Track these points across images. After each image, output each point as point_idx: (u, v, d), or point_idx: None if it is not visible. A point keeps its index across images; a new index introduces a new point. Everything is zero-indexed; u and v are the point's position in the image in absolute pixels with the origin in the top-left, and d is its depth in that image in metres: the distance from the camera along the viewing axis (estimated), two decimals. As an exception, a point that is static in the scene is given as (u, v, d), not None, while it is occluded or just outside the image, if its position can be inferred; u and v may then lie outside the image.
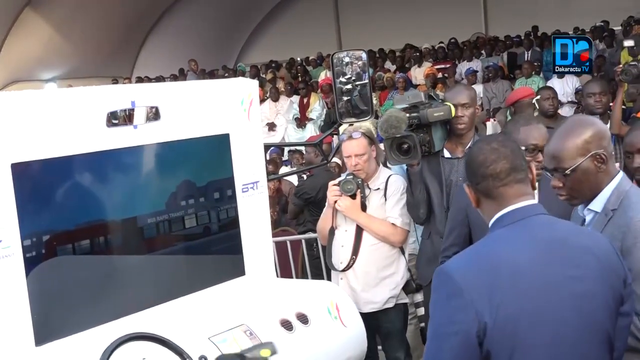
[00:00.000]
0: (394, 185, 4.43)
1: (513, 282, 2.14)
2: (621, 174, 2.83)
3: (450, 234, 3.83)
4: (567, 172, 2.77)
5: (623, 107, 6.64)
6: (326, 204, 4.70)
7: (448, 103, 3.99)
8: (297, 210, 7.16)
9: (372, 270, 4.51)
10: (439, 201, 4.14)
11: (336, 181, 4.56)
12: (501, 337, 2.11)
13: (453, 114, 4.02)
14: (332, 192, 4.56)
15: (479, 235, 3.65)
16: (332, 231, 4.64)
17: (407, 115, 3.76)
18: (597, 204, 2.81)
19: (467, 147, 4.15)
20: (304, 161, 7.80)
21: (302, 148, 8.76)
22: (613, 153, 2.90)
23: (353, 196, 4.49)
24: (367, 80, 3.92)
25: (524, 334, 2.13)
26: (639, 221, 2.67)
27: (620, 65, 5.91)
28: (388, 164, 4.46)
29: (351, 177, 4.49)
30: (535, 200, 2.33)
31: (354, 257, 4.52)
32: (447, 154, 4.22)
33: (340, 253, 4.58)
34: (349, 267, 4.53)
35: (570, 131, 2.82)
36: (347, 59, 3.93)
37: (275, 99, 14.69)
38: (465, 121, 4.16)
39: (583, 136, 2.77)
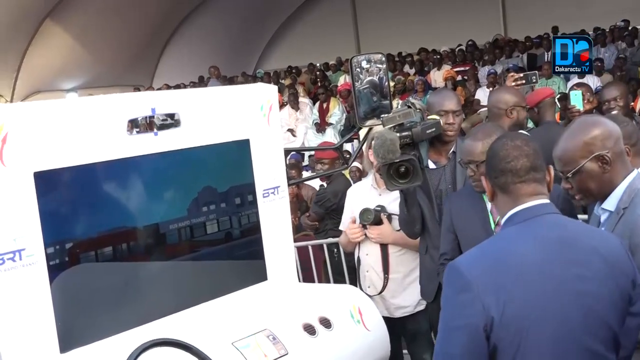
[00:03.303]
0: None
1: (519, 279, 2.19)
2: (635, 172, 2.81)
3: (444, 239, 3.85)
4: (569, 175, 2.78)
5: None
6: (348, 234, 4.70)
7: (435, 116, 3.85)
8: (319, 218, 7.15)
9: (399, 276, 4.50)
10: (430, 215, 4.02)
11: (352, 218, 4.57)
12: (507, 332, 2.16)
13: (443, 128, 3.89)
14: (353, 233, 4.57)
15: (463, 242, 3.71)
16: (359, 260, 4.66)
17: (398, 135, 3.56)
18: (611, 203, 2.82)
19: (451, 152, 4.08)
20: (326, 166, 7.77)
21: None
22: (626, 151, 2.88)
23: (379, 222, 4.49)
24: (386, 83, 3.89)
25: (529, 330, 2.17)
26: None
27: None
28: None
29: (372, 208, 4.48)
30: (547, 200, 2.36)
31: (386, 275, 4.51)
32: (431, 164, 4.08)
33: (371, 270, 4.59)
34: (384, 288, 4.52)
35: (573, 133, 2.83)
36: (365, 63, 3.90)
37: (295, 105, 14.72)
38: (455, 128, 4.05)
39: (585, 138, 2.78)
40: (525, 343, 2.16)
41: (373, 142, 3.57)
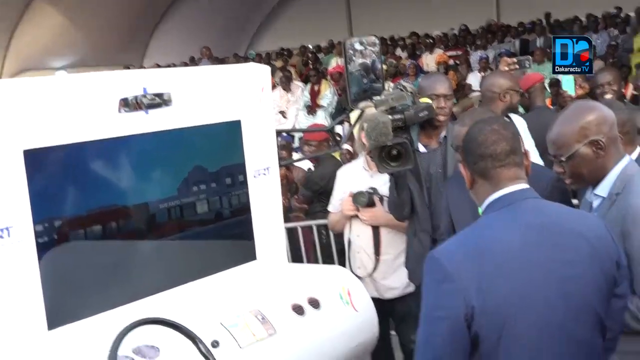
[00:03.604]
0: None
1: (501, 267, 2.17)
2: (627, 158, 2.83)
3: (442, 219, 3.87)
4: (563, 159, 2.78)
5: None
6: (340, 210, 4.71)
7: (427, 100, 3.87)
8: (308, 201, 7.16)
9: (390, 257, 4.52)
10: (420, 198, 4.03)
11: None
12: (489, 320, 2.14)
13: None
14: (347, 206, 4.57)
15: (457, 228, 3.68)
16: (349, 242, 4.67)
17: (391, 118, 3.58)
18: (603, 189, 2.83)
19: (442, 137, 4.09)
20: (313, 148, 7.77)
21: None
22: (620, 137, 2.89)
23: (372, 204, 4.50)
24: (379, 66, 3.88)
25: (512, 317, 2.15)
26: (638, 207, 2.67)
27: None
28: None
29: (365, 190, 4.49)
30: (526, 185, 2.34)
31: (378, 257, 4.53)
32: (422, 148, 4.10)
33: (362, 251, 4.60)
34: (374, 269, 4.54)
35: (569, 117, 2.83)
36: (359, 45, 3.89)
37: (286, 87, 14.68)
38: (447, 112, 4.07)
39: (581, 122, 2.78)
40: (508, 331, 2.15)
41: (365, 125, 3.56)
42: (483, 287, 2.14)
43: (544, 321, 2.19)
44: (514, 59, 5.44)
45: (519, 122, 4.73)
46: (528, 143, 4.69)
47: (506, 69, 5.30)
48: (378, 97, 3.63)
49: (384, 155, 3.56)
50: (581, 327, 2.25)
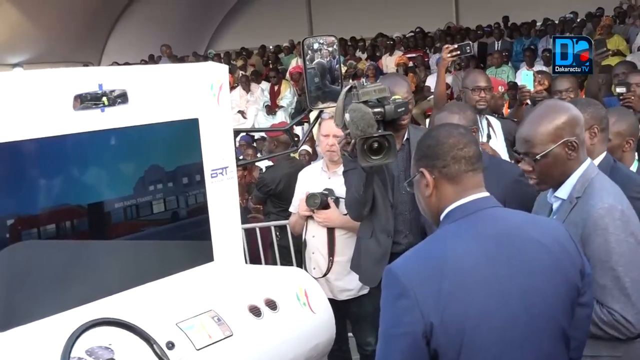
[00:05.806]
0: None
1: (459, 282, 2.11)
2: (588, 161, 2.85)
3: None
4: (538, 157, 2.78)
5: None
6: (298, 211, 4.70)
7: (398, 96, 3.75)
8: (259, 202, 7.15)
9: (345, 259, 4.51)
10: (383, 198, 4.00)
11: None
12: (448, 337, 2.09)
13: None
14: (302, 206, 4.56)
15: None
16: (305, 242, 4.66)
17: (372, 111, 3.50)
18: (564, 192, 2.83)
19: (405, 139, 4.07)
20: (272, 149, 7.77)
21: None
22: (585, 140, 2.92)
23: (327, 206, 4.49)
24: (337, 66, 3.88)
25: (471, 333, 2.10)
26: (600, 209, 2.68)
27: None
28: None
29: (318, 192, 4.49)
30: (487, 193, 2.29)
31: (332, 258, 4.53)
32: None
33: (317, 252, 4.59)
34: (328, 270, 4.54)
35: (544, 116, 2.82)
36: (317, 45, 3.89)
37: (246, 87, 14.64)
38: (408, 115, 4.04)
39: (556, 122, 2.78)
40: (467, 347, 2.09)
41: (349, 115, 3.46)
42: (442, 303, 2.08)
43: (506, 337, 2.13)
44: (455, 45, 5.63)
45: (494, 123, 4.79)
46: (500, 144, 4.76)
47: (448, 55, 5.44)
48: (364, 88, 3.56)
49: (366, 148, 3.50)
50: (544, 342, 2.20)
